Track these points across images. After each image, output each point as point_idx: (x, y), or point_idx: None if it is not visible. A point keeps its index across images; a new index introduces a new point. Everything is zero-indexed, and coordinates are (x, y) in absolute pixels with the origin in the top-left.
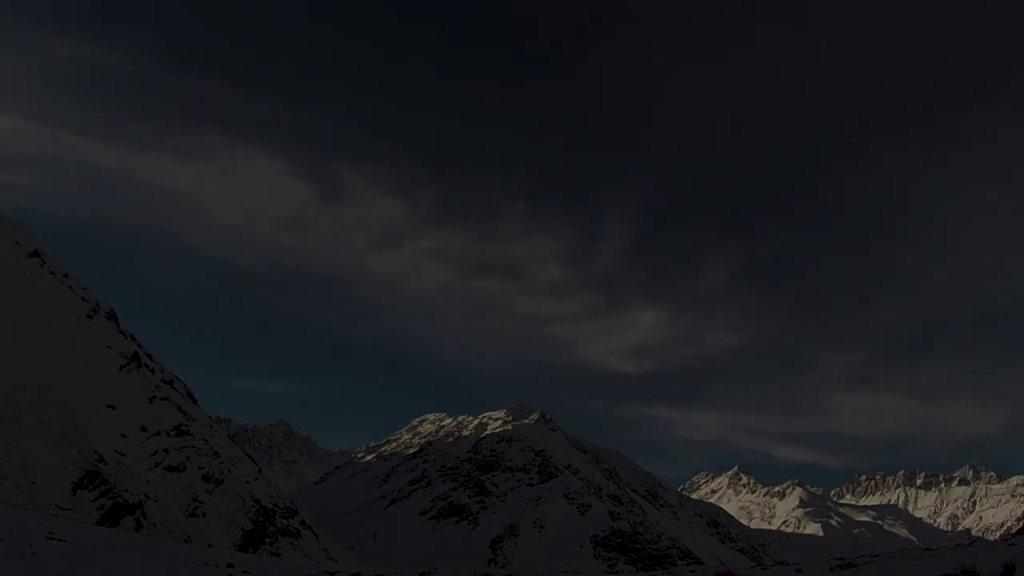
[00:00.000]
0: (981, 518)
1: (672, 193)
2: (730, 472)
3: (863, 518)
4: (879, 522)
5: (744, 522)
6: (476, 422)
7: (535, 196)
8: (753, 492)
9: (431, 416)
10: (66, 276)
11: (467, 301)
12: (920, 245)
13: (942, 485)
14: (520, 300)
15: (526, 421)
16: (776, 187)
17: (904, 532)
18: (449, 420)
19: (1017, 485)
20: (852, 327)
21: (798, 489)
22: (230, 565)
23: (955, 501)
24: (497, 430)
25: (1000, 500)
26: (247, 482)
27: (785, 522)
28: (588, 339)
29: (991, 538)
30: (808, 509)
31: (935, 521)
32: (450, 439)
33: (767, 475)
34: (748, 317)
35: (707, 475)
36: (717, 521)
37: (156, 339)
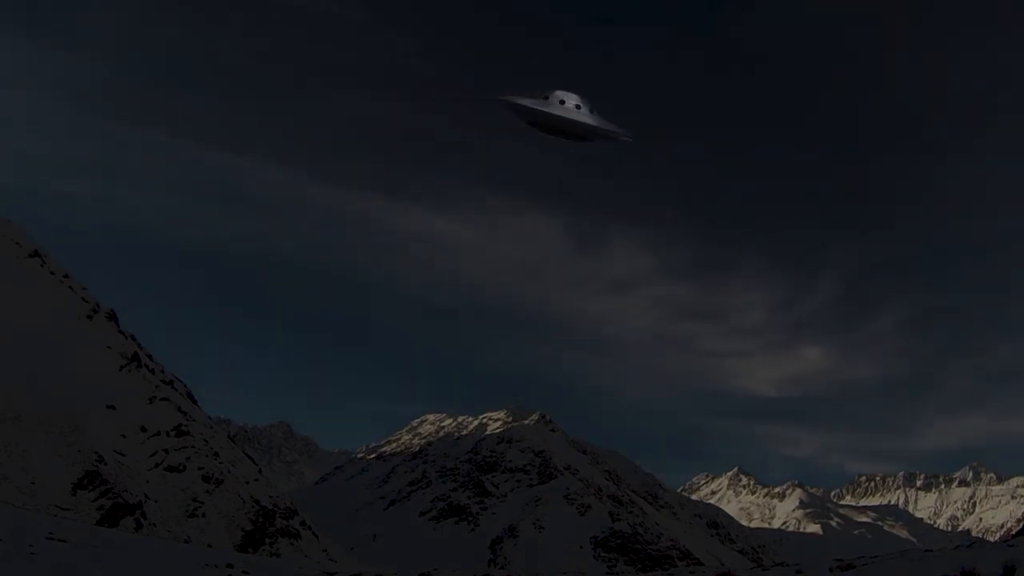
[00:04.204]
0: (981, 519)
1: (880, 254)
2: (730, 473)
3: (863, 519)
4: (879, 523)
5: (744, 523)
6: (476, 423)
7: (769, 253)
8: (753, 493)
9: (431, 416)
10: (66, 276)
11: (660, 339)
12: None
13: (942, 486)
14: (709, 339)
15: (526, 422)
16: (960, 251)
17: (904, 533)
18: (449, 420)
19: (1017, 486)
20: (973, 362)
21: (798, 490)
22: (230, 565)
23: (955, 502)
24: (497, 430)
25: (1000, 501)
26: (247, 483)
27: (785, 523)
28: (751, 371)
29: (991, 539)
30: (808, 510)
31: (935, 522)
32: (450, 440)
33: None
34: (890, 353)
35: (707, 476)
36: (717, 522)
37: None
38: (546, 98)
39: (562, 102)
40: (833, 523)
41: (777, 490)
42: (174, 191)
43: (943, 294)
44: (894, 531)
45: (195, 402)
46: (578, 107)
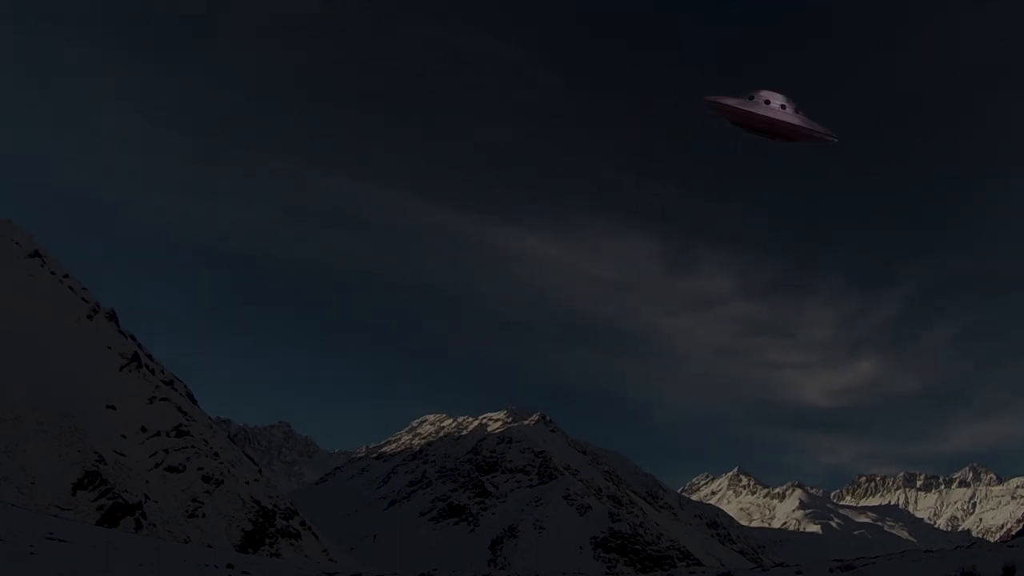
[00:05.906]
0: (981, 519)
1: (947, 274)
2: (730, 473)
3: (863, 519)
4: (879, 523)
5: (744, 523)
6: (476, 423)
7: (844, 274)
8: (753, 493)
9: (431, 417)
10: (66, 276)
11: (724, 352)
12: None
13: (942, 487)
14: (774, 352)
15: (526, 422)
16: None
17: (904, 533)
18: (449, 421)
19: (1017, 487)
20: (1010, 371)
21: (798, 491)
22: (230, 565)
23: (955, 503)
24: (497, 431)
25: (1000, 502)
26: (247, 483)
27: (785, 523)
28: (805, 381)
29: (991, 540)
30: (808, 511)
31: (935, 523)
32: (450, 440)
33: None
34: (937, 367)
35: (707, 476)
36: (717, 522)
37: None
38: (751, 98)
39: (767, 102)
40: (833, 523)
41: (777, 490)
42: (200, 194)
43: (993, 310)
44: (894, 531)
45: (195, 402)
46: (783, 107)
